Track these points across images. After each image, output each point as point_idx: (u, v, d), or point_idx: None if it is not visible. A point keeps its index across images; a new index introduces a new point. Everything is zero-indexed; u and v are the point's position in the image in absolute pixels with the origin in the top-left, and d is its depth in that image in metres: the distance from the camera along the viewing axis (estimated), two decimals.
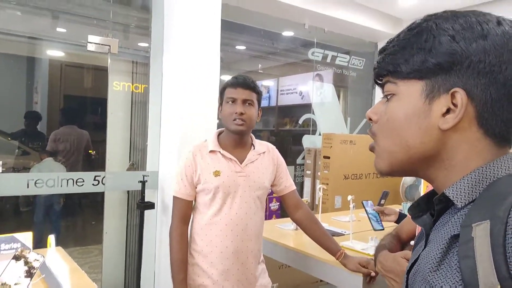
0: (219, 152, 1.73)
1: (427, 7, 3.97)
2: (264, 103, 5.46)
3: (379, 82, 0.67)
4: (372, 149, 0.68)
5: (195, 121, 2.80)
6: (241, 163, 1.74)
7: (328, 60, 4.53)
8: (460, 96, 0.57)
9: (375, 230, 2.30)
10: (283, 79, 5.24)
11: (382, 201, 3.01)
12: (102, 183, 2.71)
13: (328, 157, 3.78)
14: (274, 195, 2.59)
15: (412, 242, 1.53)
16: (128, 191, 3.37)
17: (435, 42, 0.58)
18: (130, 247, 3.37)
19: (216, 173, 1.70)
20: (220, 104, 1.77)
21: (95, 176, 2.67)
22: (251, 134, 1.84)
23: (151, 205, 2.75)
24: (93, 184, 2.65)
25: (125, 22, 3.44)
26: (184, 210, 1.75)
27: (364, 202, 2.30)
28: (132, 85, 3.49)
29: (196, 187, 1.73)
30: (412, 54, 0.60)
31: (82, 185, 2.63)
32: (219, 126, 2.99)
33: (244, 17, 3.82)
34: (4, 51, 3.60)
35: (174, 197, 1.76)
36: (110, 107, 3.13)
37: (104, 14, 3.04)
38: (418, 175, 0.66)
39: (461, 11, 0.61)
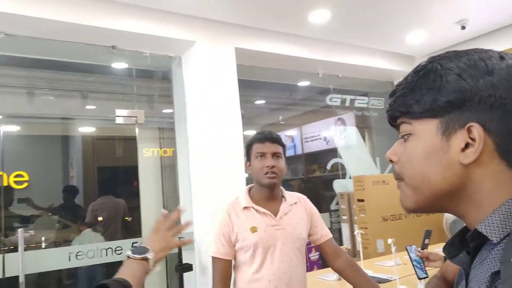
0: (253, 207, 1.72)
1: (435, 42, 4.04)
2: (290, 152, 5.51)
3: (394, 124, 0.69)
4: (399, 188, 0.69)
5: (224, 178, 2.84)
6: (275, 216, 1.73)
7: (347, 103, 4.59)
8: (477, 130, 0.58)
9: (419, 278, 2.18)
10: (306, 127, 5.31)
11: (426, 241, 2.87)
12: None
13: (363, 200, 3.70)
14: (312, 244, 2.53)
15: None
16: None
17: (443, 81, 0.61)
18: None
19: (253, 229, 1.68)
20: (248, 160, 1.79)
21: (133, 243, 2.70)
22: (281, 186, 1.84)
23: (189, 267, 2.73)
24: None
25: (148, 93, 3.65)
26: (224, 270, 1.71)
27: (408, 247, 2.19)
28: (161, 149, 3.63)
29: (234, 246, 1.71)
30: (422, 94, 0.62)
31: (121, 253, 2.66)
32: (248, 181, 3.02)
33: (259, 74, 3.99)
34: (41, 133, 3.85)
35: (213, 258, 1.72)
36: (141, 173, 3.24)
37: (129, 88, 3.26)
38: (448, 211, 0.65)
39: (463, 50, 0.65)
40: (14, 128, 3.44)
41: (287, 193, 1.84)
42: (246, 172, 1.85)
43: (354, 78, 4.45)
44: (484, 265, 0.57)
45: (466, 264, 0.63)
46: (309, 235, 1.84)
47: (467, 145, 0.58)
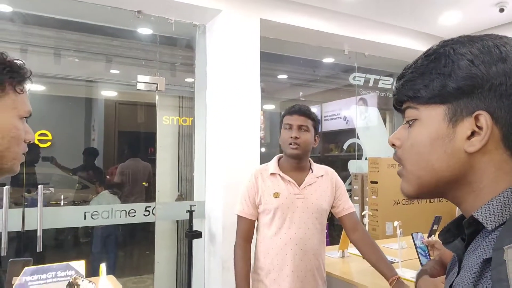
0: (279, 174, 1.84)
1: (469, 25, 3.86)
2: None
3: (399, 108, 0.68)
4: (400, 173, 0.68)
5: (239, 151, 2.87)
6: (299, 186, 1.83)
7: (371, 84, 4.49)
8: (485, 118, 0.57)
9: (422, 265, 2.19)
10: (326, 105, 5.25)
11: (435, 227, 2.86)
12: (153, 214, 2.83)
13: (376, 182, 3.68)
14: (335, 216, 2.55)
15: None
16: (177, 221, 3.48)
17: (454, 67, 0.59)
18: (181, 275, 3.44)
19: (276, 195, 1.80)
20: (280, 130, 1.90)
21: (146, 207, 2.80)
22: (310, 158, 1.93)
23: (198, 234, 2.82)
24: (144, 215, 2.78)
25: (171, 61, 3.66)
26: (248, 228, 1.85)
27: (413, 234, 2.19)
28: (180, 118, 3.68)
29: (258, 208, 1.84)
30: (431, 79, 0.61)
31: (134, 216, 2.77)
32: (262, 154, 3.05)
33: (283, 47, 3.93)
34: (65, 94, 3.96)
35: (238, 216, 1.86)
36: (159, 141, 3.31)
37: (152, 55, 3.28)
38: (446, 197, 0.65)
39: (478, 35, 0.62)
40: (39, 88, 3.54)
41: (315, 165, 1.93)
42: (279, 142, 1.92)
43: (380, 58, 4.33)
44: (477, 252, 0.58)
45: (460, 250, 0.63)
46: (332, 207, 1.93)
47: (472, 133, 0.58)
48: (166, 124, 3.58)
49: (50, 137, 3.42)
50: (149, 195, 4.10)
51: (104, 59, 3.63)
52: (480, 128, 0.57)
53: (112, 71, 3.75)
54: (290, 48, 3.97)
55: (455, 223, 0.67)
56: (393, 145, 0.68)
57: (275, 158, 1.92)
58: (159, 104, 3.38)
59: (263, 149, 5.20)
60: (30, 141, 0.92)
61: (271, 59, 4.01)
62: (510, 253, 0.49)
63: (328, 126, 5.13)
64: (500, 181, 0.58)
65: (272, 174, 1.85)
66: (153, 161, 3.46)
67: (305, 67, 4.53)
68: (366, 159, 4.27)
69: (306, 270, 1.79)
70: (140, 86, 2.96)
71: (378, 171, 3.67)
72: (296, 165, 1.86)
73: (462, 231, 0.64)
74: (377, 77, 4.53)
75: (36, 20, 3.12)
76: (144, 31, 3.33)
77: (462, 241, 0.64)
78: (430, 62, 0.62)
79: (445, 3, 3.46)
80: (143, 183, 4.24)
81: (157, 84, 2.99)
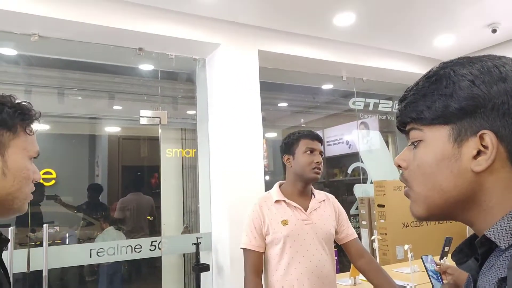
0: (284, 201, 1.78)
1: (463, 46, 3.93)
2: None
3: (403, 129, 0.69)
4: (407, 195, 0.68)
5: (243, 180, 2.87)
6: (305, 211, 1.78)
7: (371, 107, 4.53)
8: (490, 137, 0.57)
9: None
10: (328, 130, 5.28)
11: (446, 249, 2.79)
12: (159, 248, 2.79)
13: (383, 206, 3.64)
14: (338, 243, 2.51)
15: None
16: (184, 255, 3.43)
17: (456, 88, 0.60)
18: None
19: (284, 222, 1.74)
20: (289, 154, 1.84)
21: (152, 242, 2.76)
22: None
23: (206, 267, 2.77)
24: (150, 250, 2.74)
25: (172, 95, 3.73)
26: (257, 262, 1.74)
27: (423, 257, 2.13)
28: (183, 150, 3.69)
29: (265, 239, 1.75)
30: (433, 100, 0.62)
31: (140, 251, 2.73)
32: (266, 182, 3.03)
33: (282, 76, 4.00)
34: (68, 132, 4.00)
35: (245, 250, 1.76)
36: (163, 173, 3.31)
37: (154, 89, 3.34)
38: (457, 219, 0.65)
39: (476, 56, 0.64)
40: (44, 127, 3.59)
41: (316, 191, 1.90)
42: (287, 165, 1.87)
43: (378, 82, 4.39)
44: (491, 271, 0.57)
45: (474, 270, 0.62)
46: (335, 233, 1.88)
47: (478, 153, 0.58)
48: (169, 156, 3.59)
49: (54, 175, 3.43)
50: (154, 229, 4.06)
51: (107, 96, 3.70)
52: (485, 147, 0.58)
53: (115, 107, 3.81)
54: (289, 77, 4.04)
55: (468, 243, 0.66)
56: (399, 166, 0.68)
57: (276, 186, 1.88)
58: (162, 137, 3.40)
59: (267, 177, 5.19)
60: (37, 181, 0.93)
61: (271, 88, 4.07)
62: None
63: (331, 151, 5.13)
64: (508, 199, 0.58)
65: (277, 201, 1.79)
66: (157, 194, 3.45)
67: (304, 94, 4.59)
68: (371, 182, 4.25)
69: None
70: (143, 121, 2.99)
71: (385, 194, 3.64)
72: (303, 190, 1.82)
73: (475, 251, 0.63)
74: (377, 100, 4.58)
75: (39, 61, 3.21)
76: (146, 67, 3.40)
77: (476, 260, 0.63)
78: (431, 84, 0.63)
79: (439, 26, 3.55)
80: (148, 217, 4.21)
81: (159, 118, 3.03)
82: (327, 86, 4.55)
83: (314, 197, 1.85)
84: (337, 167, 5.21)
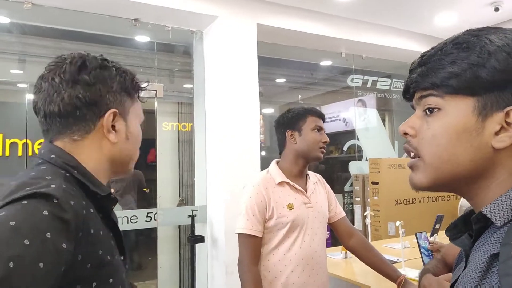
0: (287, 183, 1.68)
1: (465, 24, 3.87)
2: None
3: (409, 96, 0.65)
4: (412, 165, 0.64)
5: (239, 155, 2.88)
6: (306, 193, 1.71)
7: (369, 85, 4.51)
8: None
9: (424, 265, 2.18)
10: (325, 107, 5.26)
11: (437, 226, 2.85)
12: (154, 219, 2.83)
13: (377, 183, 3.68)
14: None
15: None
16: (179, 226, 3.49)
17: (491, 59, 0.57)
18: (184, 280, 3.44)
19: (290, 206, 1.64)
20: (295, 130, 1.72)
21: (148, 213, 2.80)
22: None
23: (201, 239, 2.82)
24: (146, 221, 2.78)
25: (169, 68, 3.69)
26: (257, 248, 1.64)
27: (418, 234, 2.18)
28: (180, 124, 3.69)
29: (265, 223, 1.64)
30: (463, 69, 0.58)
31: (136, 222, 2.77)
32: (262, 158, 3.05)
33: (280, 51, 3.95)
34: None
35: (245, 235, 1.62)
36: (159, 147, 3.32)
37: (150, 62, 3.30)
38: (456, 191, 0.64)
39: (505, 28, 0.61)
40: None
41: (309, 172, 1.82)
42: (289, 141, 1.73)
43: (377, 59, 4.35)
44: (484, 247, 0.57)
45: (467, 246, 0.63)
46: None
47: (500, 129, 0.56)
48: (166, 130, 3.59)
49: None
50: (150, 201, 4.11)
51: None
52: (509, 124, 0.56)
53: None
54: (288, 52, 4.00)
55: (463, 219, 0.66)
56: (405, 134, 0.65)
57: (275, 165, 1.75)
58: (158, 111, 3.39)
59: (263, 153, 5.21)
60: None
61: (269, 63, 4.04)
62: None
63: (327, 128, 5.10)
64: None
65: (280, 183, 1.67)
66: (153, 168, 3.47)
67: (303, 70, 4.55)
68: (366, 160, 4.28)
69: (321, 283, 1.70)
70: None
71: (379, 172, 3.68)
72: (302, 170, 1.73)
73: (469, 227, 0.64)
74: (375, 78, 4.55)
75: (34, 30, 3.15)
76: (142, 38, 3.35)
77: (470, 237, 0.64)
78: (461, 51, 0.59)
79: (441, 4, 3.49)
80: (144, 189, 4.24)
81: (155, 90, 3.01)
82: (325, 63, 4.51)
83: (309, 178, 1.79)
84: (333, 144, 5.23)
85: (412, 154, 0.64)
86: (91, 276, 0.75)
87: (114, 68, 0.89)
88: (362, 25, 3.82)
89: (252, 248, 1.62)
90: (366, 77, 4.48)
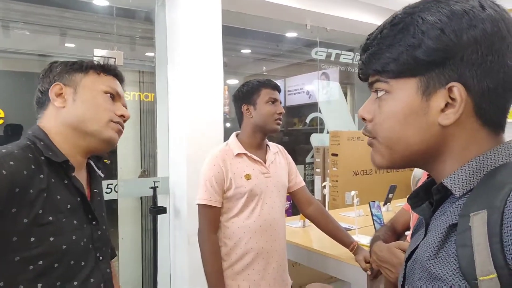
0: (245, 154, 1.73)
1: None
2: None
3: (370, 80, 0.65)
4: (370, 144, 0.67)
5: (202, 126, 2.86)
6: (264, 164, 1.76)
7: (332, 58, 4.56)
8: (458, 90, 0.56)
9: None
10: (290, 79, 5.28)
11: (390, 195, 3.02)
12: (115, 191, 2.80)
13: (336, 155, 3.80)
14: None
15: (407, 233, 1.55)
16: (141, 198, 3.46)
17: (424, 38, 0.56)
18: (146, 251, 3.46)
19: (247, 177, 1.70)
20: (250, 104, 1.75)
21: (108, 185, 2.76)
22: None
23: (163, 210, 2.82)
24: (106, 192, 2.74)
25: (129, 35, 3.54)
26: (216, 217, 1.70)
27: (371, 203, 2.29)
28: (142, 94, 3.59)
29: (224, 193, 1.70)
30: (400, 52, 0.58)
31: None
32: (227, 129, 3.05)
33: (246, 21, 3.88)
34: (15, 69, 3.74)
35: (203, 206, 1.69)
36: None
37: (109, 28, 3.15)
38: (418, 166, 0.66)
39: None
40: None
41: (269, 143, 1.87)
42: (246, 115, 1.77)
43: (341, 32, 4.38)
44: (443, 217, 0.59)
45: (427, 214, 0.65)
46: None
47: (445, 105, 0.57)
48: (127, 100, 3.48)
49: (2, 115, 3.25)
50: (111, 172, 4.03)
51: (57, 32, 3.44)
52: (453, 99, 0.57)
53: (67, 44, 3.57)
54: (253, 22, 3.93)
55: (424, 188, 0.68)
56: (363, 119, 0.66)
57: (234, 137, 1.80)
58: None
59: (228, 124, 5.19)
60: (123, 116, 1.10)
61: (233, 33, 3.96)
62: (476, 220, 0.50)
63: (291, 100, 5.18)
64: (470, 150, 0.59)
65: (238, 154, 1.72)
66: None
67: (268, 41, 4.52)
68: (327, 132, 4.38)
69: (281, 250, 1.78)
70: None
71: (339, 144, 3.78)
72: (261, 142, 1.79)
73: (430, 196, 0.65)
74: (339, 51, 4.60)
75: None
76: (100, 2, 3.17)
77: (430, 205, 0.66)
78: (397, 33, 0.59)
79: None
80: (105, 161, 4.15)
81: (115, 58, 2.89)
82: (291, 34, 4.49)
83: (269, 149, 1.83)
84: (296, 116, 5.29)
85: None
86: (27, 231, 0.86)
87: (65, 62, 1.07)
88: None
89: (210, 218, 1.69)
90: (330, 50, 4.52)
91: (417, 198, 0.69)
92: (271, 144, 1.88)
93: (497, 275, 0.47)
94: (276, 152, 1.87)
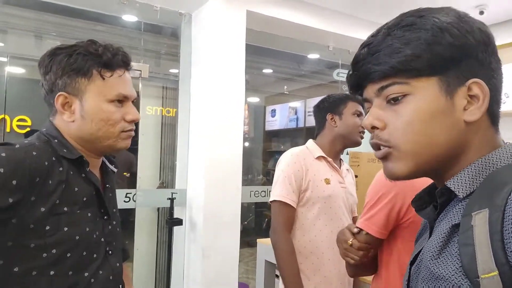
0: (325, 158, 1.69)
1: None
2: (292, 124, 5.51)
3: (380, 85, 0.61)
4: (385, 155, 0.62)
5: (221, 142, 2.88)
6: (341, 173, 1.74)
7: None
8: (480, 86, 0.57)
9: None
10: (310, 100, 5.29)
11: None
12: (133, 200, 2.81)
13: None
14: None
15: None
16: (158, 209, 3.47)
17: (446, 36, 0.57)
18: (160, 263, 3.43)
19: (327, 181, 1.64)
20: (336, 114, 1.73)
21: (126, 194, 2.78)
22: None
23: (179, 222, 2.81)
24: (124, 201, 2.76)
25: (155, 49, 3.63)
26: (291, 217, 1.61)
27: None
28: (164, 109, 3.65)
29: (300, 194, 1.62)
30: (422, 49, 0.57)
31: None
32: (245, 149, 3.05)
33: (269, 41, 3.94)
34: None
35: (280, 203, 1.60)
36: (141, 129, 3.28)
37: (136, 42, 3.24)
38: (431, 175, 0.64)
39: (436, 8, 0.61)
40: (19, 70, 3.45)
41: (342, 157, 1.86)
42: (329, 124, 1.74)
43: None
44: (447, 218, 0.59)
45: (432, 218, 0.64)
46: None
47: (467, 103, 0.58)
48: (149, 114, 3.55)
49: (29, 123, 3.34)
50: (130, 184, 4.06)
51: None
52: (472, 97, 0.58)
53: None
54: (276, 42, 3.99)
55: (428, 191, 0.68)
56: (373, 127, 0.62)
57: (312, 142, 1.76)
58: (143, 93, 3.34)
59: (246, 144, 5.21)
60: (134, 121, 1.04)
61: (256, 52, 4.02)
62: (477, 219, 0.51)
63: (311, 121, 5.17)
64: (483, 150, 0.59)
65: (318, 157, 1.67)
66: (135, 150, 3.42)
67: (290, 61, 4.56)
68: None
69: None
70: None
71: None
72: (339, 153, 1.76)
73: (433, 199, 0.66)
74: None
75: (16, 1, 3.05)
76: (129, 17, 3.29)
77: (434, 208, 0.65)
78: (413, 32, 0.58)
79: (429, 5, 3.53)
80: (124, 173, 4.19)
81: (140, 71, 2.96)
82: (313, 56, 4.53)
83: (343, 163, 1.82)
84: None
85: (381, 148, 0.62)
86: (43, 219, 0.88)
87: (64, 54, 0.97)
88: (351, 19, 3.84)
89: (286, 216, 1.60)
90: None
91: (420, 201, 0.68)
92: (342, 159, 1.85)
93: (498, 273, 0.47)
94: (347, 169, 1.84)
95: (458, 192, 0.58)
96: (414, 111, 0.58)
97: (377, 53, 0.60)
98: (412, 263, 0.66)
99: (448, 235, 0.57)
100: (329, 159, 1.69)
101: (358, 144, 1.73)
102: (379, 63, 0.59)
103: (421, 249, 0.64)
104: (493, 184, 0.54)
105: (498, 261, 0.47)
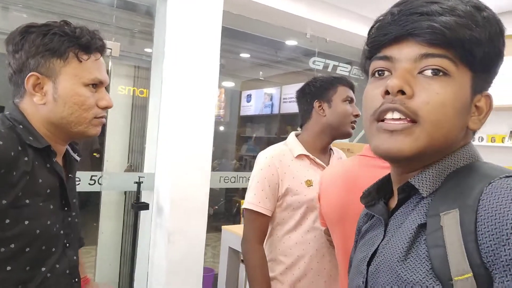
0: (307, 157, 1.49)
1: None
2: (266, 110, 5.50)
3: (426, 51, 0.53)
4: (405, 130, 0.54)
5: (192, 126, 2.84)
6: None
7: (329, 69, 4.56)
8: (489, 100, 0.57)
9: None
10: (286, 87, 5.28)
11: None
12: (99, 183, 2.75)
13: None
14: None
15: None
16: (125, 193, 3.41)
17: (500, 40, 0.55)
18: (125, 247, 3.40)
19: (308, 183, 1.44)
20: (324, 101, 1.51)
21: (92, 176, 2.71)
22: None
23: (145, 206, 2.77)
24: (89, 184, 2.69)
25: (128, 27, 3.51)
26: (264, 227, 1.46)
27: None
28: (137, 89, 3.55)
29: (278, 200, 1.46)
30: (486, 40, 0.53)
31: (78, 184, 2.66)
32: (221, 133, 3.02)
33: (247, 25, 3.88)
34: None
35: (251, 211, 1.44)
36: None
37: (108, 18, 3.12)
38: (417, 163, 0.59)
39: None
40: None
41: (333, 147, 1.64)
42: (317, 112, 1.51)
43: (341, 44, 4.39)
44: (410, 217, 0.57)
45: (385, 214, 0.63)
46: None
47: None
48: (121, 94, 3.45)
49: None
50: (96, 166, 3.98)
51: (57, 18, 3.39)
52: (477, 107, 0.57)
53: None
54: (254, 26, 3.93)
55: (376, 187, 0.67)
56: (399, 91, 0.54)
57: (293, 137, 1.54)
58: (114, 73, 3.24)
59: (221, 127, 5.17)
60: (106, 107, 1.00)
61: (233, 35, 3.95)
62: (447, 220, 0.50)
63: (286, 108, 5.17)
64: (453, 156, 0.59)
65: (298, 156, 1.47)
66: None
67: (267, 47, 4.51)
68: None
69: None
70: None
71: None
72: (326, 146, 1.54)
73: (382, 195, 0.65)
74: (336, 63, 4.60)
75: None
76: None
77: (385, 204, 0.65)
78: (482, 20, 0.53)
79: None
80: (94, 154, 4.09)
81: (111, 49, 2.85)
82: (290, 42, 4.49)
83: (334, 153, 1.59)
84: (290, 124, 5.29)
85: (399, 115, 0.54)
86: (3, 212, 0.83)
87: (37, 32, 0.92)
88: (330, 8, 3.82)
89: (258, 227, 1.45)
90: (327, 61, 4.52)
91: (370, 197, 0.67)
92: (334, 148, 1.64)
93: (472, 274, 0.46)
94: (340, 158, 1.62)
95: (422, 190, 0.56)
96: (451, 94, 0.53)
97: (458, 17, 0.52)
98: (368, 263, 0.63)
99: (414, 236, 0.55)
100: (312, 157, 1.48)
101: (349, 135, 1.50)
102: (449, 28, 0.52)
103: (377, 248, 0.62)
104: (458, 184, 0.53)
105: (472, 262, 0.46)
